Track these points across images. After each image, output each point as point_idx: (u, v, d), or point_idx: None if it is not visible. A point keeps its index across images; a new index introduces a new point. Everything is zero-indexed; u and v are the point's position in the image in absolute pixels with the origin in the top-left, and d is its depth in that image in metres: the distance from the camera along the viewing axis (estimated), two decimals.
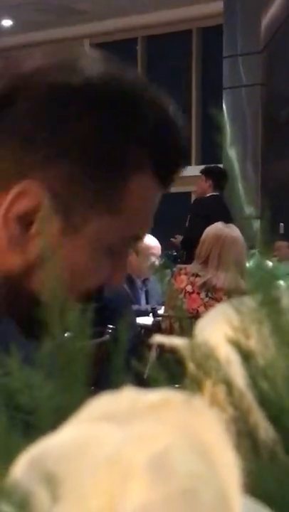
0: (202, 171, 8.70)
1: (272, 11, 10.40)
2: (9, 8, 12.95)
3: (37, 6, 12.58)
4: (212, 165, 9.11)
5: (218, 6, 10.68)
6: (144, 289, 6.44)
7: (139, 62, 14.14)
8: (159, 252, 6.50)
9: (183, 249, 8.41)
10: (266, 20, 10.36)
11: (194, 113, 13.26)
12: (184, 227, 8.79)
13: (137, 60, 14.17)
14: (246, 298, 0.48)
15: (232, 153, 10.08)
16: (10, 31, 14.32)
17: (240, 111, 10.37)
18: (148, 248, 6.27)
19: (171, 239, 9.88)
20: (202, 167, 9.03)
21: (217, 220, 4.85)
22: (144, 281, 6.44)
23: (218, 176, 8.40)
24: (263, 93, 10.28)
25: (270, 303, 0.46)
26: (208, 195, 8.40)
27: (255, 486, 0.40)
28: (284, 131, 10.23)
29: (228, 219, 4.84)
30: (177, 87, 13.71)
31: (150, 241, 6.37)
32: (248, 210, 9.57)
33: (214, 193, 8.33)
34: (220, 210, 6.98)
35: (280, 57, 10.38)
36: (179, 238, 9.35)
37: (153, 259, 6.33)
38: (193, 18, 13.06)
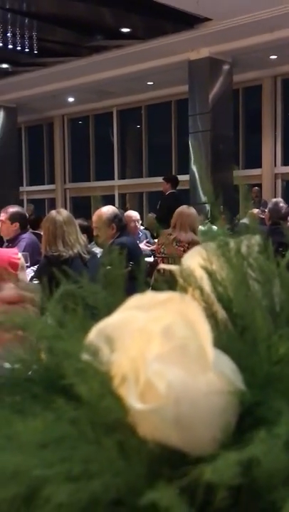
0: (163, 178, 8.42)
1: (215, 90, 10.25)
2: (72, 91, 12.80)
3: (86, 90, 12.42)
4: (170, 175, 8.94)
5: (185, 88, 10.52)
6: (138, 241, 6.50)
7: (143, 120, 13.96)
8: (139, 219, 6.40)
9: (157, 222, 8.16)
10: (212, 95, 10.20)
11: (174, 146, 13.13)
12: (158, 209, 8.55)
13: (142, 119, 14.00)
14: (210, 243, 0.48)
15: (194, 168, 9.99)
16: (72, 104, 14.21)
17: (199, 145, 10.24)
18: (133, 217, 6.23)
19: (149, 214, 9.64)
20: (178, 177, 8.84)
21: (174, 206, 4.82)
22: (137, 235, 6.46)
23: (173, 181, 8.23)
24: (211, 136, 10.15)
25: (222, 245, 0.46)
26: (168, 192, 8.18)
27: (218, 343, 0.40)
28: (222, 156, 10.13)
29: (181, 205, 4.82)
30: (165, 132, 13.54)
31: (134, 214, 6.34)
32: (204, 198, 9.50)
33: (172, 191, 8.15)
34: (175, 201, 6.90)
35: (220, 116, 10.25)
36: (153, 215, 9.04)
37: (135, 223, 6.27)
38: (172, 95, 12.85)
